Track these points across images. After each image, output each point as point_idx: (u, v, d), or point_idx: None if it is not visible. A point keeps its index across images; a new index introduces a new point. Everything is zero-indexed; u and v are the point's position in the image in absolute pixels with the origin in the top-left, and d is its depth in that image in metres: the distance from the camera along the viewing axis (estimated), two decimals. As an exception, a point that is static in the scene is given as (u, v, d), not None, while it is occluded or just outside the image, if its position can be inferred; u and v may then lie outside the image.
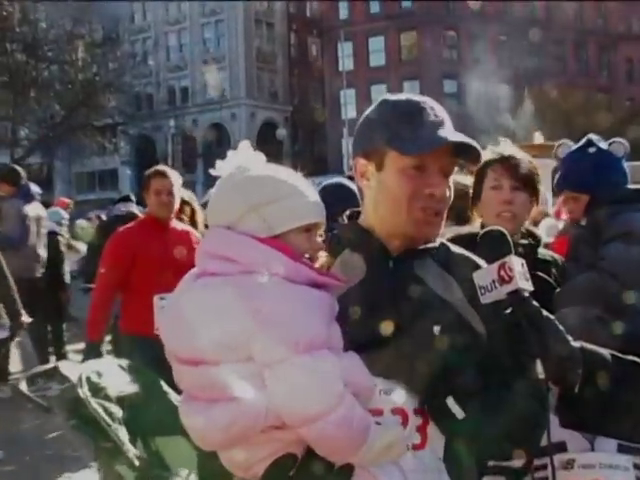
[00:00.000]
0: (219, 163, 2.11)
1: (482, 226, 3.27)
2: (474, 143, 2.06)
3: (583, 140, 3.69)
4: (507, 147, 3.51)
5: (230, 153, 2.12)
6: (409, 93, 2.22)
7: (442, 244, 2.24)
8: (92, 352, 5.37)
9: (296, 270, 1.97)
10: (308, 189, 2.08)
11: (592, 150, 3.63)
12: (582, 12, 57.21)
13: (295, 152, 53.90)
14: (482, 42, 54.38)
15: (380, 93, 3.31)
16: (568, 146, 3.78)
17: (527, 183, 3.38)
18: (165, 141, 57.26)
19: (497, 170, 3.38)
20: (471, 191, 3.48)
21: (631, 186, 3.53)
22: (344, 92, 48.07)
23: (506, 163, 3.38)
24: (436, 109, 2.12)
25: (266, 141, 47.38)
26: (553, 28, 55.56)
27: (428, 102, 2.14)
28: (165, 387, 3.33)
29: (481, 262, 2.18)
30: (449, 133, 2.07)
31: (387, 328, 2.00)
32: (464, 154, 2.11)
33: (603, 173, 3.61)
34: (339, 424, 1.81)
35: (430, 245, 2.18)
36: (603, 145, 3.63)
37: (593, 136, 3.71)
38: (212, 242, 2.06)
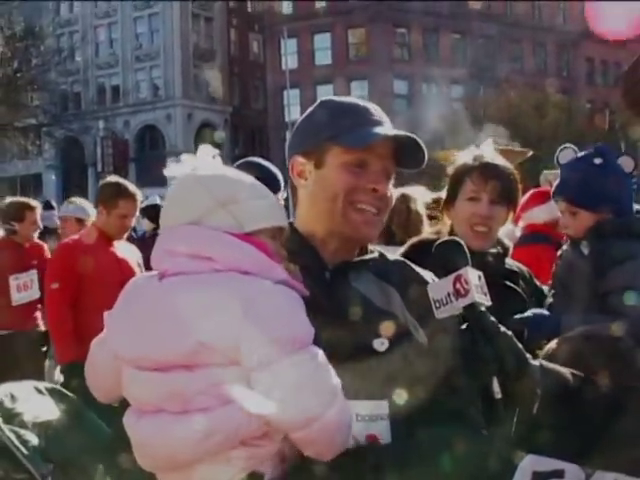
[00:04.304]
0: (171, 165, 2.21)
1: (451, 232, 3.42)
2: (419, 140, 2.24)
3: (590, 149, 3.79)
4: (489, 152, 3.51)
5: (184, 156, 2.23)
6: (357, 94, 2.26)
7: (380, 254, 2.42)
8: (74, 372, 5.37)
9: (272, 269, 2.08)
10: (271, 194, 2.22)
11: (598, 161, 3.68)
12: (541, 9, 59.79)
13: (235, 156, 45.94)
14: (435, 40, 57.59)
15: (326, 94, 3.55)
16: (573, 151, 3.86)
17: (507, 197, 3.43)
18: (94, 144, 58.64)
19: (476, 181, 3.40)
20: (444, 194, 3.57)
21: None
22: (287, 92, 48.14)
23: (487, 173, 3.39)
24: (378, 111, 2.36)
25: (204, 144, 46.10)
26: (510, 25, 59.09)
27: (369, 104, 2.37)
28: (90, 413, 3.28)
29: (422, 270, 2.38)
30: (391, 131, 2.29)
31: (328, 344, 2.08)
32: (406, 159, 2.31)
33: (614, 192, 3.66)
34: (339, 419, 1.95)
35: (367, 257, 2.37)
36: (611, 158, 3.71)
37: (601, 146, 3.80)
38: (177, 239, 2.11)
